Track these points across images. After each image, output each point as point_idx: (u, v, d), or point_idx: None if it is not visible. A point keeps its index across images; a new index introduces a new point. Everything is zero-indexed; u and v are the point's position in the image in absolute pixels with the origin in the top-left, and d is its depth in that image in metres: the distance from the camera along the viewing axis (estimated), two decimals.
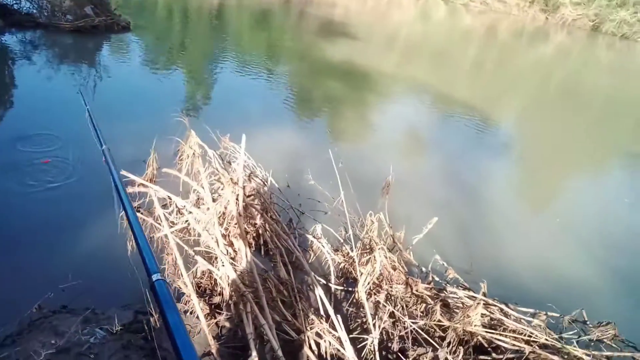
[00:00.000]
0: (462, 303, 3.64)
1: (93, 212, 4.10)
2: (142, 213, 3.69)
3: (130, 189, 3.70)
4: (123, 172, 3.50)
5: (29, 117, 6.39)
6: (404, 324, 3.30)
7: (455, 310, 3.59)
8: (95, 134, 2.69)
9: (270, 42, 14.31)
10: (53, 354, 2.05)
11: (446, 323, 3.29)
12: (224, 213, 3.02)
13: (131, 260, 2.62)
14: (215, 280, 3.08)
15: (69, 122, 6.27)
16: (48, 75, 8.09)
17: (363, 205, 4.34)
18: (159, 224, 3.22)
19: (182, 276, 2.72)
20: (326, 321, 2.93)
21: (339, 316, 2.98)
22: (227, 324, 2.83)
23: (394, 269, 3.66)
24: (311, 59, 12.68)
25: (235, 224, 2.91)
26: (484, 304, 3.44)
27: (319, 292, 3.22)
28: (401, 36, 20.13)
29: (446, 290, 3.73)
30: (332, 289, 3.77)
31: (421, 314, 3.49)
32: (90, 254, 3.69)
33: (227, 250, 2.81)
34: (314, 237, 4.24)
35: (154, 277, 1.29)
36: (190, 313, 3.05)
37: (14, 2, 10.06)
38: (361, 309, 3.49)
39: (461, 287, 3.91)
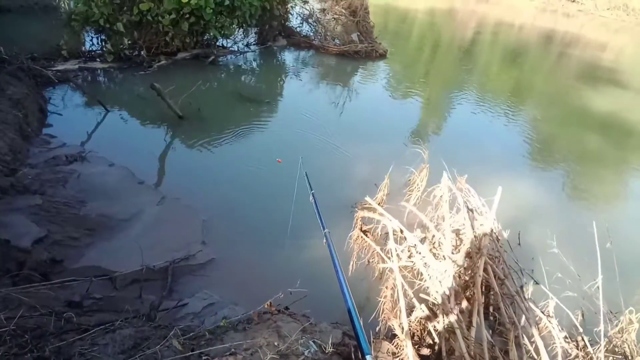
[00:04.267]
0: None
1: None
2: (368, 237, 3.70)
3: (362, 213, 3.74)
4: (367, 199, 3.55)
5: (286, 123, 7.34)
6: None
7: None
8: (319, 217, 2.85)
9: (518, 81, 13.33)
10: (273, 357, 2.13)
11: None
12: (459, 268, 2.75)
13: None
14: (428, 330, 2.83)
15: (314, 133, 6.95)
16: (309, 89, 9.16)
17: (622, 294, 3.49)
18: (388, 256, 3.13)
19: (399, 317, 2.56)
20: None
21: None
22: None
23: None
24: (564, 105, 11.29)
25: (466, 282, 2.60)
26: None
27: None
28: None
29: None
30: None
31: None
32: (317, 269, 3.87)
33: (455, 309, 2.53)
34: (542, 312, 3.61)
35: (367, 358, 1.48)
36: (395, 356, 2.88)
37: (298, 25, 11.77)
38: None
39: None
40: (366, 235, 3.72)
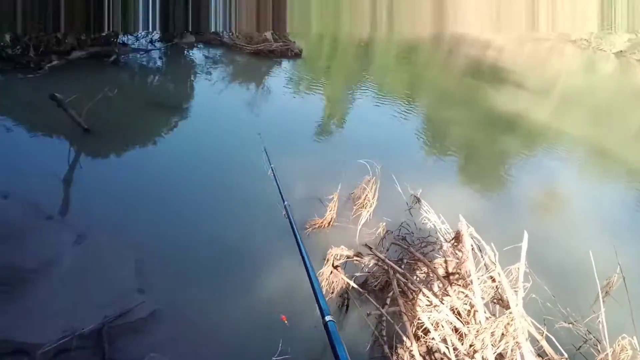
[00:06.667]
0: None
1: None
2: (341, 274, 3.34)
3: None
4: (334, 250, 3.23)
5: (204, 130, 6.71)
6: None
7: None
8: (279, 191, 2.93)
9: (412, 77, 13.85)
10: None
11: None
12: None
13: None
14: None
15: (234, 139, 6.41)
16: (219, 88, 8.53)
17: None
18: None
19: None
20: None
21: None
22: None
23: None
24: (452, 97, 11.94)
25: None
26: None
27: None
28: (559, 86, 18.25)
29: None
30: None
31: None
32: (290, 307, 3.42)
33: None
34: None
35: (327, 318, 1.50)
36: None
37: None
38: None
39: None
40: (336, 269, 3.37)
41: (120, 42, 8.38)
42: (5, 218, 3.85)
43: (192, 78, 9.00)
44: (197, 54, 10.00)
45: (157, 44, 9.45)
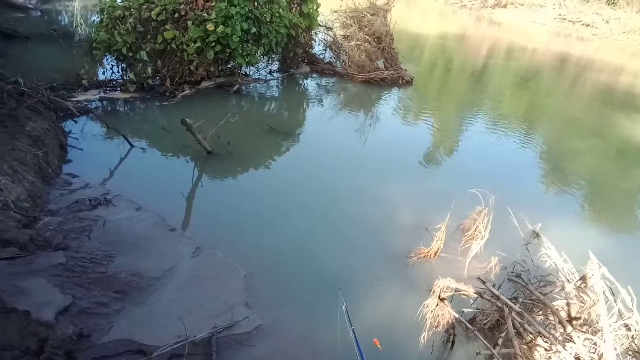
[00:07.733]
0: None
1: None
2: (448, 306, 3.15)
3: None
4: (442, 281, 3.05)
5: (317, 155, 6.91)
6: None
7: None
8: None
9: (533, 105, 12.79)
10: None
11: None
12: None
13: None
14: None
15: (347, 167, 6.48)
16: (330, 116, 8.73)
17: None
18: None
19: None
20: None
21: None
22: None
23: None
24: (579, 126, 10.79)
25: None
26: None
27: None
28: None
29: None
30: None
31: None
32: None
33: None
34: None
35: None
36: None
37: (321, 52, 11.41)
38: None
39: None
40: (443, 301, 3.19)
41: (243, 72, 9.06)
42: (136, 228, 4.29)
43: (305, 106, 9.39)
44: (310, 83, 10.42)
45: (275, 74, 10.05)
